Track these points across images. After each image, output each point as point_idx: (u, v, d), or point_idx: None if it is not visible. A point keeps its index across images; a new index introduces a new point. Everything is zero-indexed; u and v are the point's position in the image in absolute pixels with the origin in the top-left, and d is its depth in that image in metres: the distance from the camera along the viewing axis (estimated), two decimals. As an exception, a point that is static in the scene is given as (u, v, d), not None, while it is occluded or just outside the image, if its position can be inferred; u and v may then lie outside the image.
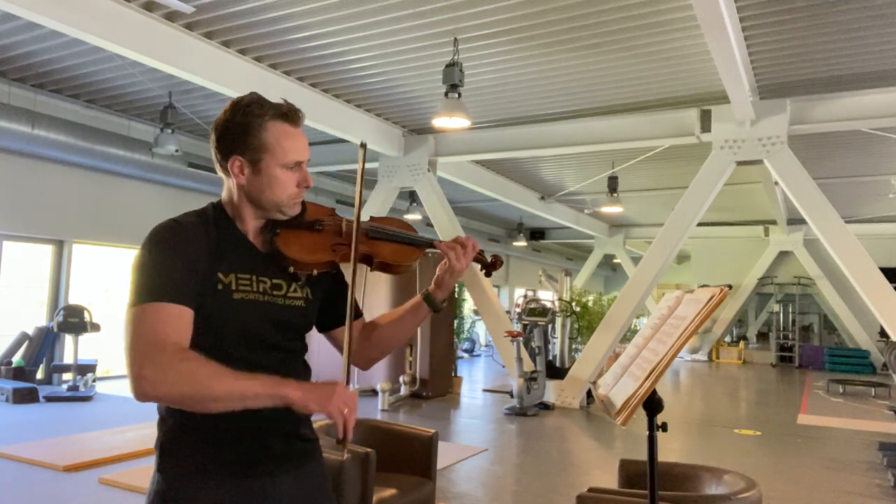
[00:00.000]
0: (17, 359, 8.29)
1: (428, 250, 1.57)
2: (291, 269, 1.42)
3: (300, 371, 1.47)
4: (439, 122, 6.47)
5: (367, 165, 9.98)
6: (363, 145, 1.63)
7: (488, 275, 1.69)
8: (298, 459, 1.43)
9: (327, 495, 1.51)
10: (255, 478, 1.35)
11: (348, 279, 1.52)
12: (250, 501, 1.34)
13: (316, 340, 1.59)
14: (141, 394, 1.17)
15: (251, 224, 1.43)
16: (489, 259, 1.66)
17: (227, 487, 1.33)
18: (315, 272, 1.45)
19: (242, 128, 1.37)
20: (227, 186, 1.44)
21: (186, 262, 1.30)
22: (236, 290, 1.35)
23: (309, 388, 1.24)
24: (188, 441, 1.34)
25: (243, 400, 1.20)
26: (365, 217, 1.52)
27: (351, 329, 1.43)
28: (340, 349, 1.57)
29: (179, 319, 1.25)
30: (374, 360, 1.61)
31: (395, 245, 1.53)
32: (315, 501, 1.46)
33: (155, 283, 1.25)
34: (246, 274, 1.38)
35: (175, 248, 1.30)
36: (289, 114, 1.39)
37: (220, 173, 1.43)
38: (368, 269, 1.52)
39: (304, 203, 1.46)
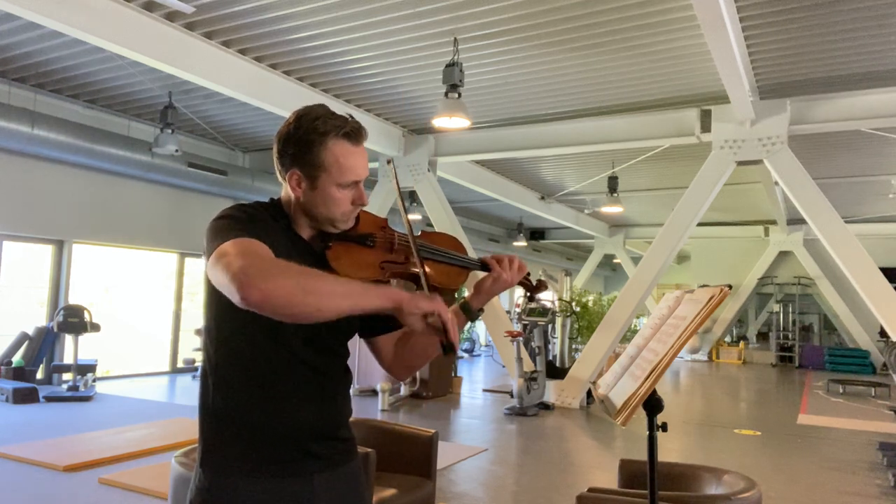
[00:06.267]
0: (17, 359, 8.29)
1: (479, 271, 1.55)
2: None
3: (344, 374, 1.49)
4: (439, 122, 6.46)
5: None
6: (390, 161, 1.64)
7: (531, 298, 1.69)
8: (336, 459, 1.44)
9: (362, 495, 1.53)
10: (294, 477, 1.37)
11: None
12: (289, 501, 1.36)
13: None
14: (248, 286, 1.11)
15: (305, 231, 1.46)
16: (534, 282, 1.66)
17: (268, 487, 1.34)
18: None
19: (304, 143, 1.38)
20: (286, 191, 1.45)
21: (262, 229, 1.31)
22: None
23: (414, 292, 1.25)
24: (231, 438, 1.35)
25: (352, 297, 1.18)
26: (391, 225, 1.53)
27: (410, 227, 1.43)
28: (380, 359, 1.60)
29: (266, 250, 1.23)
30: (413, 368, 1.60)
31: (444, 266, 1.51)
32: (351, 501, 1.47)
33: (238, 229, 1.26)
34: None
35: (252, 216, 1.34)
36: (351, 133, 1.40)
37: (280, 180, 1.45)
38: (414, 287, 1.51)
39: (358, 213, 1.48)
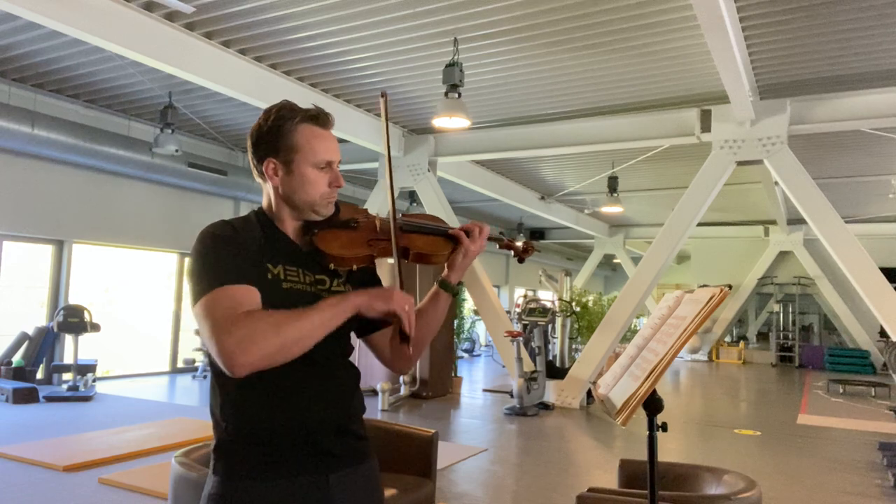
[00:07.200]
0: (17, 359, 8.29)
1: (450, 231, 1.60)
2: (332, 266, 1.47)
3: (349, 368, 1.50)
4: (439, 122, 6.47)
5: (367, 166, 10.08)
6: (384, 94, 1.62)
7: (521, 261, 1.74)
8: (352, 458, 1.45)
9: (379, 494, 1.53)
10: (309, 476, 1.37)
11: (385, 281, 1.58)
12: (305, 500, 1.36)
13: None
14: (238, 367, 1.21)
15: (290, 225, 1.48)
16: (521, 245, 1.70)
17: (283, 486, 1.35)
18: (355, 267, 1.51)
19: (275, 131, 1.43)
20: (266, 192, 1.50)
21: (240, 250, 1.36)
22: (285, 279, 1.40)
23: (370, 292, 1.35)
24: (243, 443, 1.36)
25: (323, 327, 1.29)
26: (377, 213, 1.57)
27: (396, 226, 1.49)
28: (379, 355, 1.62)
29: (247, 295, 1.30)
30: (413, 358, 1.62)
31: (428, 236, 1.58)
32: (367, 500, 1.48)
33: (216, 271, 1.30)
34: (292, 267, 1.43)
35: (228, 239, 1.37)
36: (318, 116, 1.46)
37: (258, 179, 1.49)
38: (406, 261, 1.55)
39: (337, 204, 1.51)
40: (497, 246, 1.74)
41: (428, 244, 1.56)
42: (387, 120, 1.59)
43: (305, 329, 1.26)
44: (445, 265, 1.59)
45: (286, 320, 1.25)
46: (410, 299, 1.36)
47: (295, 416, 1.36)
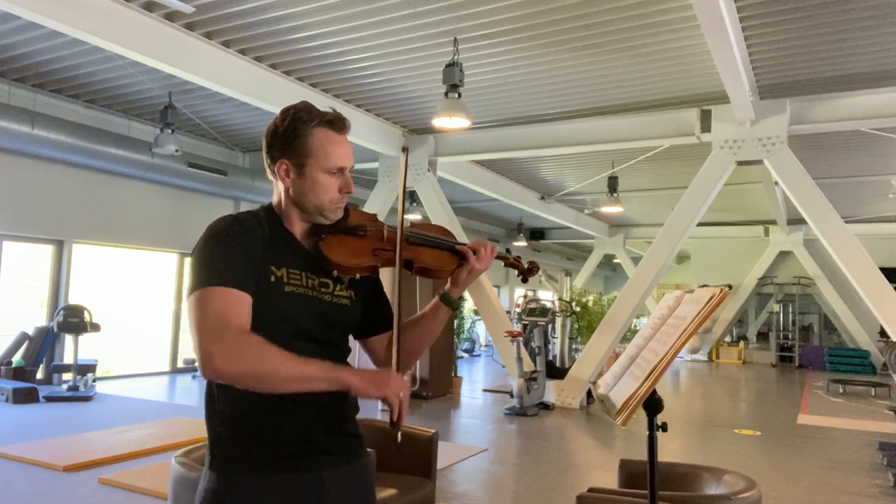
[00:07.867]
0: (17, 359, 8.29)
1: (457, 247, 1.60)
2: (335, 273, 1.47)
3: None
4: (439, 122, 6.46)
5: (367, 166, 10.07)
6: (405, 149, 1.67)
7: (525, 280, 1.73)
8: (345, 455, 1.46)
9: (371, 492, 1.54)
10: (303, 472, 1.39)
11: (386, 286, 1.59)
12: (298, 496, 1.38)
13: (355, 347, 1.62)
14: (211, 370, 1.23)
15: (298, 227, 1.49)
16: (526, 265, 1.72)
17: (276, 483, 1.36)
18: (358, 276, 1.51)
19: (290, 133, 1.44)
20: (277, 190, 1.50)
21: (245, 251, 1.36)
22: (287, 283, 1.40)
23: (366, 375, 1.32)
24: (238, 439, 1.38)
25: (304, 382, 1.27)
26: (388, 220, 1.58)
27: (399, 319, 1.49)
28: (373, 357, 1.64)
29: (241, 303, 1.31)
30: (408, 364, 1.63)
31: (435, 251, 1.57)
32: (359, 497, 1.49)
33: (217, 269, 1.31)
34: (296, 269, 1.43)
35: (235, 238, 1.37)
36: (334, 121, 1.46)
37: (270, 177, 1.50)
38: (409, 273, 1.55)
39: (347, 208, 1.51)
40: (502, 263, 1.73)
41: (433, 258, 1.55)
42: (405, 174, 1.59)
43: (288, 372, 1.25)
44: (449, 279, 1.59)
45: (276, 355, 1.25)
46: (405, 386, 1.34)
47: (291, 414, 1.37)
